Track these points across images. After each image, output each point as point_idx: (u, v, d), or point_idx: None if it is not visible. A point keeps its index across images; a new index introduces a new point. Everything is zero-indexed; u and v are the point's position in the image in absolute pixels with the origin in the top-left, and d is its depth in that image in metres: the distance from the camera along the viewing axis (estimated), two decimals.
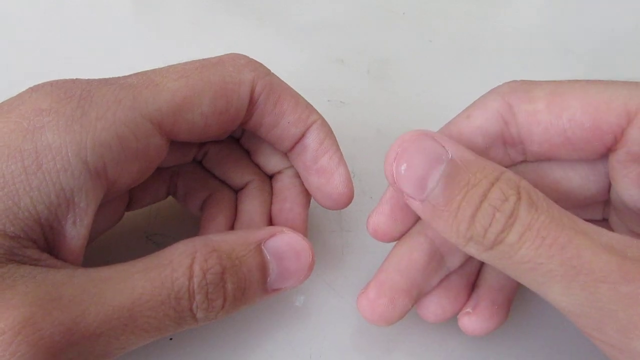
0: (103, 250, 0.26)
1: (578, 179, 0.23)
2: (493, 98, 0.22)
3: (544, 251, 0.17)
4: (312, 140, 0.25)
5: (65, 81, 0.20)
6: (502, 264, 0.19)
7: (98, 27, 0.41)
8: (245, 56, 0.24)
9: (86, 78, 0.21)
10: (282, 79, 0.25)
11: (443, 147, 0.20)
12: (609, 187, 0.23)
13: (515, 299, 0.25)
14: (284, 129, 0.24)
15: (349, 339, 0.25)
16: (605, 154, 0.21)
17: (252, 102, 0.23)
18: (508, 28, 0.42)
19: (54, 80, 0.20)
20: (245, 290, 0.21)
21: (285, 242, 0.22)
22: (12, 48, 0.38)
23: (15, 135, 0.18)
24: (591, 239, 0.18)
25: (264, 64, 0.25)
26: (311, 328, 0.25)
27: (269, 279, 0.22)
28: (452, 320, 0.25)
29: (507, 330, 0.25)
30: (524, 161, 0.23)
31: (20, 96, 0.20)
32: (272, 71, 0.24)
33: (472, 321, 0.23)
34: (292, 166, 0.26)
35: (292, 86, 0.25)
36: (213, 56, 0.23)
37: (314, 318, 0.26)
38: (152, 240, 0.28)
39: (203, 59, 0.23)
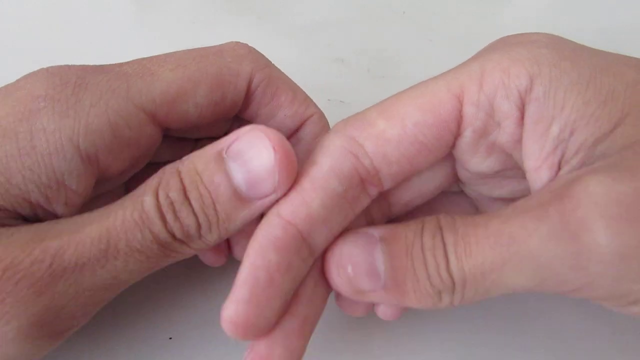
0: None
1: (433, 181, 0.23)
2: (333, 137, 0.21)
3: (497, 244, 0.18)
4: (307, 133, 0.24)
5: (60, 67, 0.21)
6: (484, 289, 0.18)
7: (99, 27, 0.41)
8: (246, 45, 0.24)
9: (81, 64, 0.21)
10: None
11: (367, 231, 0.20)
12: (452, 174, 0.24)
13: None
14: (280, 121, 0.24)
15: (348, 338, 0.25)
16: (454, 143, 0.21)
17: (249, 94, 0.23)
18: (508, 28, 0.41)
19: (49, 67, 0.21)
20: (215, 203, 0.19)
21: (246, 140, 0.19)
22: (12, 48, 0.38)
23: (12, 118, 0.19)
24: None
25: None
26: None
27: (236, 185, 0.19)
28: (455, 323, 0.25)
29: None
30: (381, 192, 0.22)
31: (16, 82, 0.21)
32: (271, 62, 0.24)
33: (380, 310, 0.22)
34: None
35: None
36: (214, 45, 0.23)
37: None
38: None
39: (202, 48, 0.23)
